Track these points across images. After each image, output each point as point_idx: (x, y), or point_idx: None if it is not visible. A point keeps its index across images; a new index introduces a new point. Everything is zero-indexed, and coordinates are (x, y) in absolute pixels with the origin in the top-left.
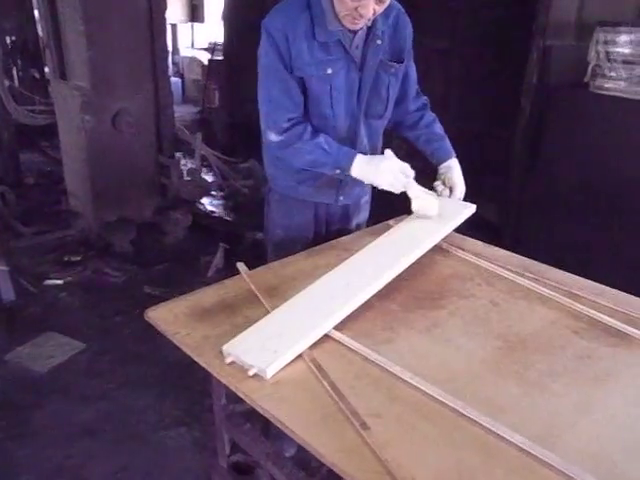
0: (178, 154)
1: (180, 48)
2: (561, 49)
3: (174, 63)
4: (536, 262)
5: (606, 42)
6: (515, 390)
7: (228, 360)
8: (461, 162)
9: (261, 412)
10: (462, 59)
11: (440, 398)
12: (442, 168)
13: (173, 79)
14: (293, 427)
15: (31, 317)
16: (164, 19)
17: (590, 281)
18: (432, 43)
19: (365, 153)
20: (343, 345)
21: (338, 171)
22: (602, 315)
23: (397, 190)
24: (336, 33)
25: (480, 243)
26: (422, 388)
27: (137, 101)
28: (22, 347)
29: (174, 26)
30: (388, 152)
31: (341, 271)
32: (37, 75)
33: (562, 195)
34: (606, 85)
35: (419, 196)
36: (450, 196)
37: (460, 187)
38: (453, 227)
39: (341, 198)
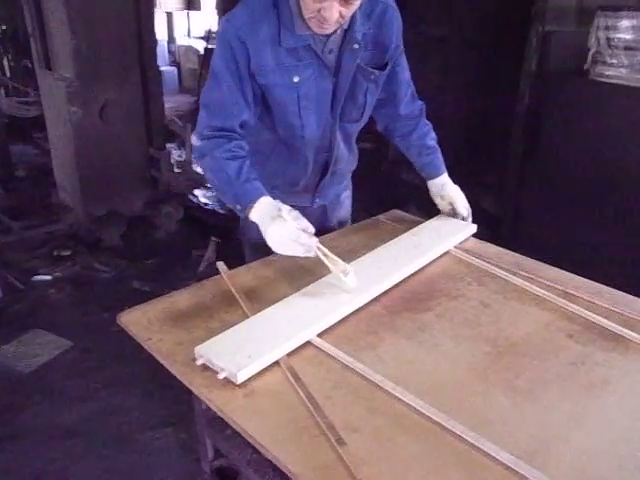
0: (170, 145)
1: (176, 37)
2: (561, 35)
3: (170, 52)
4: (531, 260)
5: (607, 28)
6: (504, 400)
7: (199, 362)
8: (459, 151)
9: (232, 425)
10: (460, 46)
11: (423, 410)
12: (433, 186)
13: (169, 68)
14: (264, 442)
15: (18, 314)
16: (152, 6)
17: (587, 280)
18: (429, 30)
19: (342, 158)
20: (323, 351)
21: (239, 207)
22: (598, 317)
23: (300, 254)
24: (305, 37)
25: (472, 239)
26: (404, 399)
27: (125, 92)
28: (8, 345)
29: (170, 14)
30: (284, 210)
31: (327, 281)
32: (30, 65)
33: (561, 184)
34: (607, 72)
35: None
36: (455, 214)
37: (461, 201)
38: (450, 246)
39: (317, 200)
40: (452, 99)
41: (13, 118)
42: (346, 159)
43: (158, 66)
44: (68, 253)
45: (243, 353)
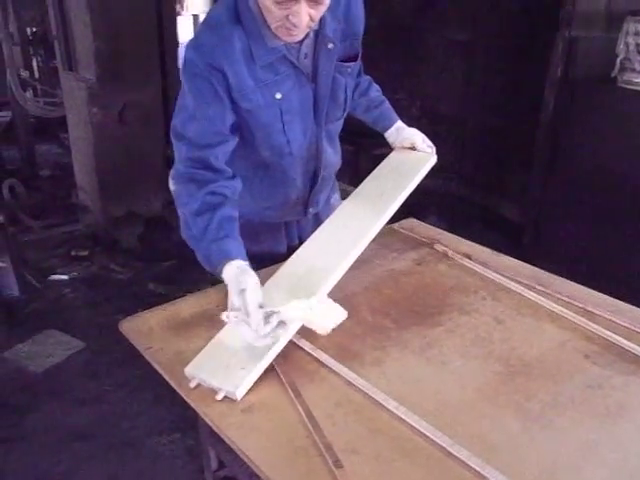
0: None
1: None
2: (588, 41)
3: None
4: (549, 274)
5: (637, 33)
6: (513, 425)
7: (193, 384)
8: (481, 157)
9: (227, 442)
10: (484, 51)
11: (426, 433)
12: (390, 135)
13: None
14: (258, 462)
15: (34, 313)
16: (174, 9)
17: (607, 296)
18: (453, 35)
19: (330, 162)
20: (326, 367)
21: (209, 269)
22: (618, 337)
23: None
24: (279, 48)
25: (489, 250)
26: (407, 420)
27: (145, 93)
28: (22, 344)
29: (196, 17)
30: (249, 286)
31: (295, 261)
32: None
33: (585, 194)
34: (635, 80)
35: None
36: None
37: (421, 141)
38: (415, 184)
39: (310, 210)
40: (475, 105)
41: (40, 118)
42: (333, 161)
43: (179, 68)
44: (85, 253)
45: (235, 366)
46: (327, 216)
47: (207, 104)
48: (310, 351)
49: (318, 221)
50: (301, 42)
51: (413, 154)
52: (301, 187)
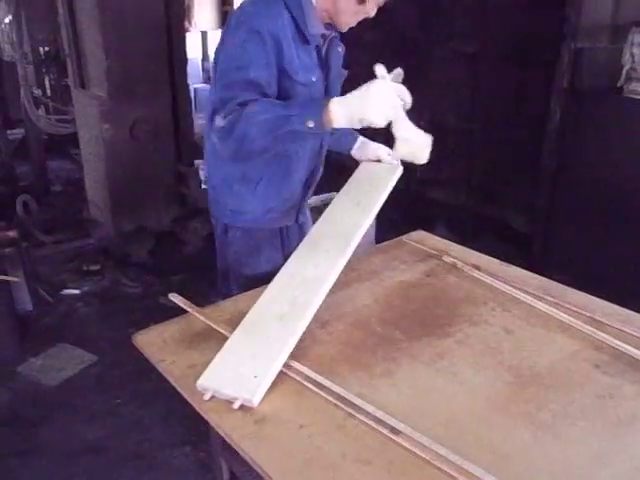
0: (198, 162)
1: (210, 55)
2: (593, 51)
3: (204, 70)
4: (558, 284)
5: None
6: (525, 435)
7: (207, 396)
8: (489, 169)
9: (240, 453)
10: (490, 63)
11: (435, 449)
12: (356, 151)
13: (203, 85)
14: (271, 473)
15: (46, 327)
16: (183, 27)
17: (617, 306)
18: (459, 47)
19: (321, 167)
20: (338, 378)
21: (311, 123)
22: (628, 346)
23: (387, 120)
24: (316, 37)
25: (497, 262)
26: (415, 438)
27: (155, 109)
28: (35, 358)
29: (204, 33)
30: (380, 69)
31: (283, 280)
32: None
33: (593, 203)
34: None
35: (408, 138)
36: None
37: (385, 153)
38: (385, 196)
39: (300, 216)
40: (482, 116)
41: (51, 135)
42: (322, 167)
43: (188, 84)
44: (97, 268)
45: (248, 375)
46: (308, 228)
47: (261, 54)
48: (320, 362)
49: (302, 231)
50: (324, 40)
51: (379, 166)
52: (299, 189)
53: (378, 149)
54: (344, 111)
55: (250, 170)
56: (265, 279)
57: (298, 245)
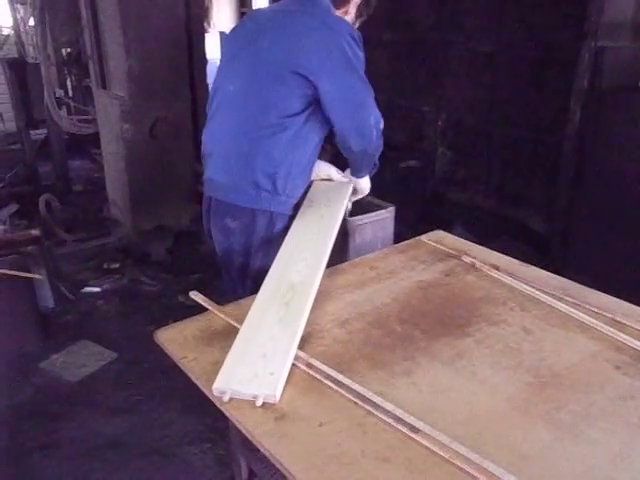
0: None
1: None
2: (615, 51)
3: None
4: (577, 284)
5: None
6: (545, 435)
7: (226, 398)
8: (507, 169)
9: (261, 449)
10: (508, 62)
11: (454, 448)
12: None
13: None
14: (292, 470)
15: (68, 324)
16: (202, 27)
17: (637, 307)
18: (477, 46)
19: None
20: (357, 376)
21: (374, 170)
22: None
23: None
24: None
25: (516, 262)
26: (434, 437)
27: (175, 109)
28: (57, 355)
29: (222, 34)
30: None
31: (271, 285)
32: (90, 85)
33: (613, 205)
34: None
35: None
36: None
37: (333, 170)
38: (344, 209)
39: None
40: (500, 116)
41: (73, 135)
42: None
43: (208, 84)
44: (117, 266)
45: (263, 372)
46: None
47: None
48: (340, 361)
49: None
50: None
51: (333, 183)
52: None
53: (329, 168)
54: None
55: (305, 155)
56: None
57: None
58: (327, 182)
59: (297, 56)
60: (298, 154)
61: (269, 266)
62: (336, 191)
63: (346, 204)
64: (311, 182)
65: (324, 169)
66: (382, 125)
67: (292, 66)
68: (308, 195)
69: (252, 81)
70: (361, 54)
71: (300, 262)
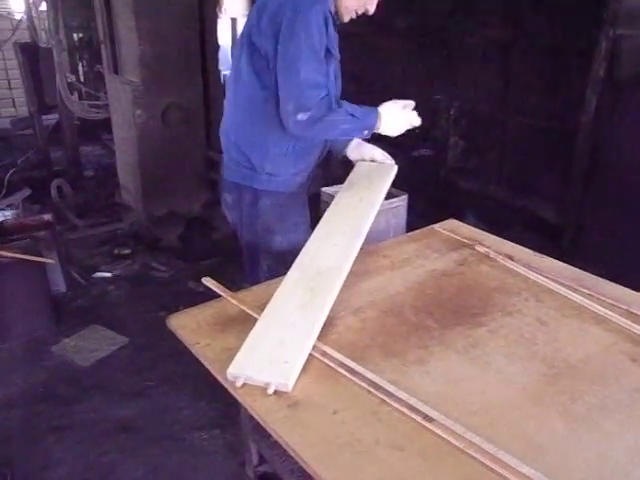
0: None
1: None
2: (633, 39)
3: (233, 56)
4: (592, 275)
5: None
6: (559, 426)
7: (239, 383)
8: (520, 158)
9: (274, 436)
10: (523, 51)
11: (469, 437)
12: (352, 152)
13: None
14: (305, 456)
15: (79, 309)
16: (215, 13)
17: None
18: (492, 34)
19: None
20: (371, 364)
21: (366, 132)
22: None
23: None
24: (337, 26)
25: (531, 252)
26: (449, 426)
27: (187, 95)
28: (68, 339)
29: (234, 20)
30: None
31: (298, 271)
32: (102, 71)
33: (627, 196)
34: None
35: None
36: None
37: (379, 154)
38: (385, 193)
39: (310, 186)
40: (514, 105)
41: (84, 120)
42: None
43: (220, 70)
44: (128, 252)
45: (278, 360)
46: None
47: (321, 44)
48: (354, 349)
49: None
50: None
51: (376, 165)
52: (313, 164)
53: (373, 150)
54: (388, 127)
55: (285, 136)
56: (292, 248)
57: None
58: (370, 164)
59: (258, 30)
60: (275, 135)
61: (258, 242)
62: (379, 173)
63: (388, 187)
64: (350, 163)
65: (368, 150)
66: (306, 117)
67: (254, 38)
68: (349, 176)
69: (239, 57)
70: (318, 35)
71: (332, 247)
